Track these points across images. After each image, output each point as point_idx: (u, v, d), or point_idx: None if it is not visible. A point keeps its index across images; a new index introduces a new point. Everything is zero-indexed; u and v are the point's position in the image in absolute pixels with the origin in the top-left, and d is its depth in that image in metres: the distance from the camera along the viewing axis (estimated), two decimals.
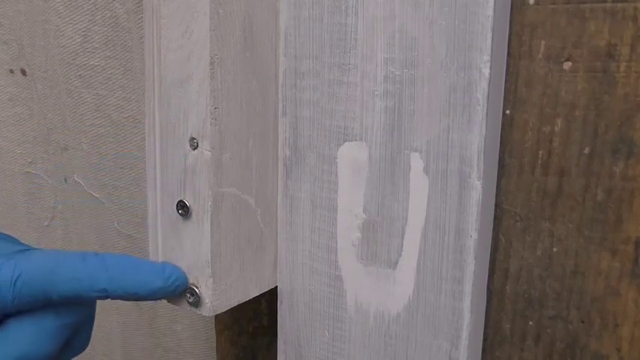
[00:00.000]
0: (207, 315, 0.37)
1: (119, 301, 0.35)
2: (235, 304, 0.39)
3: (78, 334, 0.37)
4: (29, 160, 0.59)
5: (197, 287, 0.37)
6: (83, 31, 0.53)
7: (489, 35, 0.32)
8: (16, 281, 0.32)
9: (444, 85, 0.34)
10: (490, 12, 0.32)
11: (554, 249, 0.35)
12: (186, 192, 0.37)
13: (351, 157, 0.37)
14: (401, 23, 0.35)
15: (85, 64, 0.54)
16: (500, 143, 0.36)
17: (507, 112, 0.35)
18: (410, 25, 0.34)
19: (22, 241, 0.39)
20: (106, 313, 0.60)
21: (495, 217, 0.37)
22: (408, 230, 0.36)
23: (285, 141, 0.40)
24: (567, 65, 0.34)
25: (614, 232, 0.34)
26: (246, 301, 0.39)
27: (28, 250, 0.36)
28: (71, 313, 0.35)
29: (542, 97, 0.34)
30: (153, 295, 0.35)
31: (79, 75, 0.54)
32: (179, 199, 0.37)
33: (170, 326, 0.59)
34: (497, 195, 0.37)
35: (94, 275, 0.33)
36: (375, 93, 0.36)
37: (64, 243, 0.61)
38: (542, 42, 0.34)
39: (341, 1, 0.36)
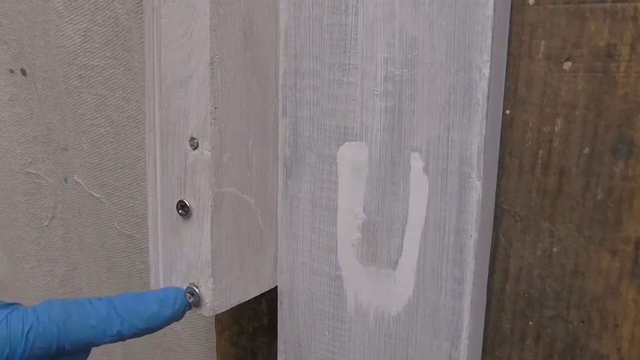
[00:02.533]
0: (207, 315, 0.37)
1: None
2: (235, 304, 0.39)
3: None
4: (29, 160, 0.59)
5: (197, 287, 0.37)
6: (83, 31, 0.53)
7: (489, 35, 0.32)
8: (27, 333, 0.31)
9: (444, 85, 0.34)
10: (490, 12, 0.32)
11: (554, 249, 0.35)
12: (186, 192, 0.37)
13: (351, 157, 0.37)
14: (401, 23, 0.35)
15: (85, 64, 0.54)
16: (500, 143, 0.36)
17: (507, 112, 0.35)
18: (410, 25, 0.34)
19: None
20: None
21: (495, 217, 0.37)
22: (408, 230, 0.36)
23: (285, 141, 0.40)
24: (567, 65, 0.34)
25: (614, 232, 0.34)
26: (246, 301, 0.39)
27: (16, 303, 0.34)
28: None
29: (542, 97, 0.34)
30: (164, 325, 0.35)
31: (79, 75, 0.54)
32: (179, 199, 0.37)
33: (170, 326, 0.59)
34: (497, 195, 0.37)
35: (107, 320, 0.33)
36: (375, 93, 0.36)
37: (64, 243, 0.61)
38: (542, 42, 0.34)
39: (341, 1, 0.36)
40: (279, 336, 0.43)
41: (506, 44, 0.35)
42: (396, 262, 0.37)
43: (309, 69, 0.38)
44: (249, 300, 0.40)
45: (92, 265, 0.60)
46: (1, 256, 0.64)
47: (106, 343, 0.33)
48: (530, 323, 0.37)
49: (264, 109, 0.39)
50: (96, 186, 0.57)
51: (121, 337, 0.33)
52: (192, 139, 0.36)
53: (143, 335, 0.34)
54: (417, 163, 0.36)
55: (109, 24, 0.52)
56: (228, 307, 0.38)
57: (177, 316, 0.36)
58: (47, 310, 0.32)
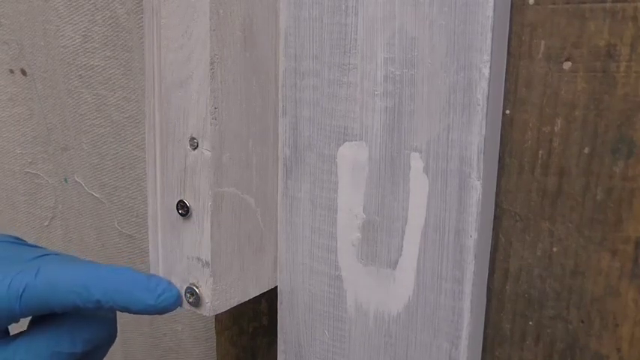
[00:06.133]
0: (207, 315, 0.37)
1: None
2: (235, 304, 0.39)
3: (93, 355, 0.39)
4: (29, 160, 0.59)
5: (197, 287, 0.37)
6: (83, 32, 0.53)
7: (489, 35, 0.32)
8: (22, 295, 0.35)
9: (443, 85, 0.34)
10: (490, 12, 0.32)
11: (554, 249, 0.35)
12: (186, 192, 0.37)
13: (351, 157, 0.37)
14: (401, 23, 0.35)
15: (85, 65, 0.54)
16: (500, 143, 0.36)
17: (507, 112, 0.35)
18: (410, 25, 0.34)
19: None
20: None
21: (495, 217, 0.37)
22: (408, 230, 0.36)
23: (285, 141, 0.40)
24: (567, 65, 0.34)
25: (614, 232, 0.34)
26: (246, 301, 0.40)
27: (40, 257, 0.38)
28: (86, 331, 0.38)
29: (542, 97, 0.34)
30: (143, 312, 0.36)
31: (79, 75, 0.54)
32: (179, 199, 0.37)
33: (170, 326, 0.59)
34: (497, 195, 0.37)
35: (90, 288, 0.35)
36: (375, 93, 0.36)
37: (64, 243, 0.61)
38: (542, 42, 0.34)
39: (341, 1, 0.36)
40: (279, 336, 0.43)
41: (506, 44, 0.35)
42: (396, 262, 0.37)
43: (309, 69, 0.38)
44: (249, 300, 0.40)
45: None
46: None
47: (90, 309, 0.36)
48: (530, 323, 0.37)
49: (264, 109, 0.39)
50: (96, 186, 0.57)
51: (101, 306, 0.36)
52: (192, 139, 0.36)
53: (124, 312, 0.37)
54: (417, 163, 0.36)
55: (109, 24, 0.52)
56: (228, 307, 0.38)
57: (159, 310, 0.37)
58: (42, 273, 0.36)
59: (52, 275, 0.36)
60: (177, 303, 0.37)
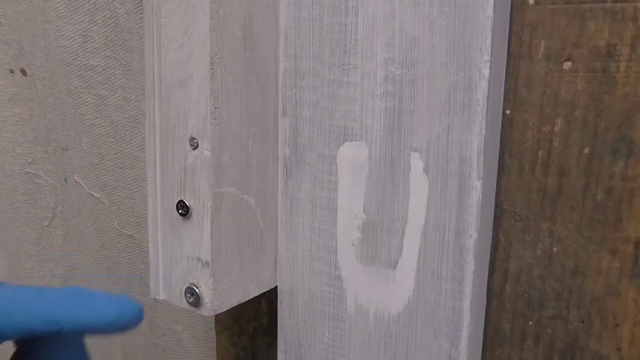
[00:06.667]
0: (207, 315, 0.37)
1: None
2: (235, 304, 0.39)
3: None
4: (29, 160, 0.59)
5: (197, 287, 0.37)
6: (83, 32, 0.53)
7: (489, 35, 0.32)
8: None
9: (444, 85, 0.34)
10: (490, 12, 0.32)
11: (554, 249, 0.35)
12: (186, 192, 0.37)
13: (351, 157, 0.37)
14: (401, 23, 0.35)
15: (85, 65, 0.54)
16: (500, 143, 0.36)
17: (507, 112, 0.35)
18: (410, 25, 0.34)
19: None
20: None
21: (495, 217, 0.37)
22: (408, 230, 0.36)
23: (285, 141, 0.40)
24: (567, 65, 0.34)
25: (614, 232, 0.34)
26: (246, 301, 0.40)
27: None
28: None
29: (542, 97, 0.34)
30: (106, 327, 0.33)
31: (79, 75, 0.54)
32: (179, 199, 0.37)
33: (170, 326, 0.59)
34: (497, 195, 0.37)
35: (47, 309, 0.33)
36: (375, 93, 0.36)
37: (64, 243, 0.61)
38: (542, 42, 0.34)
39: (341, 1, 0.36)
40: (279, 336, 0.43)
41: (506, 44, 0.35)
42: (396, 262, 0.37)
43: (309, 69, 0.38)
44: (249, 300, 0.40)
45: (92, 265, 0.60)
46: (1, 256, 0.64)
47: (47, 333, 0.33)
48: (530, 323, 0.37)
49: (264, 109, 0.39)
50: (96, 186, 0.57)
51: (60, 328, 0.33)
52: (192, 139, 0.36)
53: (87, 334, 0.34)
54: (417, 163, 0.36)
55: (109, 24, 0.52)
56: (228, 307, 0.38)
57: (125, 324, 0.34)
58: None
59: (5, 298, 0.32)
60: (140, 316, 0.34)
